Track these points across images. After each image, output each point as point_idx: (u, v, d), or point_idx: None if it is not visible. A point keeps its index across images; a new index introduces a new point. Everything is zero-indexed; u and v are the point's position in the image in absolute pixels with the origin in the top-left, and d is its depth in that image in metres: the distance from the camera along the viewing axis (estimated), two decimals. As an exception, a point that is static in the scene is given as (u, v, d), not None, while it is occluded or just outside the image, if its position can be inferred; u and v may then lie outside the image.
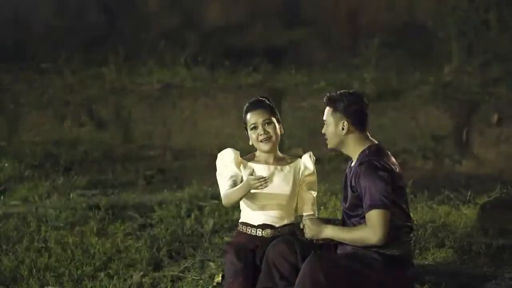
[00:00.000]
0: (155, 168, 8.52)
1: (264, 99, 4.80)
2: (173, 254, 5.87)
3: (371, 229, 4.37)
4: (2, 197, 7.29)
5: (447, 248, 5.38)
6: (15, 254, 5.88)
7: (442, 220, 5.83)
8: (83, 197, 7.15)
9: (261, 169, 4.76)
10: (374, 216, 4.36)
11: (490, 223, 5.64)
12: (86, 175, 7.96)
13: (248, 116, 4.76)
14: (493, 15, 9.68)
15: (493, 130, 8.36)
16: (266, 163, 4.78)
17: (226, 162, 4.78)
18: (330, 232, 4.54)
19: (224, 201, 4.74)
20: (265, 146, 4.75)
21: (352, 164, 4.59)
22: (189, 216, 6.35)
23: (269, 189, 4.69)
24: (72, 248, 5.89)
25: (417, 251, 5.36)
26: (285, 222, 4.77)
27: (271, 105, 4.78)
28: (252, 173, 4.68)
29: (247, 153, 4.81)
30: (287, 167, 4.79)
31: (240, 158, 4.80)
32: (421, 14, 11.34)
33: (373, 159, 4.45)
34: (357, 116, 4.53)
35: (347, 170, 4.63)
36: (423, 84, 9.24)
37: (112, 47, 10.71)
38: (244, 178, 4.69)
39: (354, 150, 4.55)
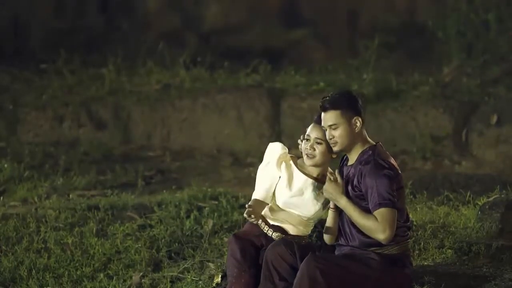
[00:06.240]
0: (155, 169, 8.49)
1: None
2: (173, 255, 5.86)
3: (381, 226, 4.39)
4: (1, 198, 7.28)
5: (447, 249, 5.37)
6: (15, 255, 5.89)
7: (441, 220, 5.82)
8: (83, 197, 7.13)
9: (299, 178, 4.77)
10: (384, 214, 4.39)
11: (490, 223, 5.63)
12: (85, 176, 7.94)
13: (310, 126, 4.75)
14: (492, 15, 9.67)
15: (492, 130, 8.34)
16: (308, 174, 4.78)
17: (271, 158, 4.82)
18: (345, 203, 4.51)
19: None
20: (307, 161, 4.74)
21: (349, 164, 4.60)
22: (188, 217, 6.34)
23: (298, 201, 4.71)
24: (72, 248, 5.89)
25: (417, 251, 5.36)
26: (299, 233, 4.79)
27: None
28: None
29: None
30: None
31: (288, 156, 4.82)
32: (420, 14, 11.34)
33: (379, 158, 4.49)
34: (363, 110, 4.57)
35: (343, 171, 4.63)
36: (422, 85, 9.22)
37: (111, 48, 10.69)
38: (283, 177, 4.72)
39: (357, 148, 4.57)
